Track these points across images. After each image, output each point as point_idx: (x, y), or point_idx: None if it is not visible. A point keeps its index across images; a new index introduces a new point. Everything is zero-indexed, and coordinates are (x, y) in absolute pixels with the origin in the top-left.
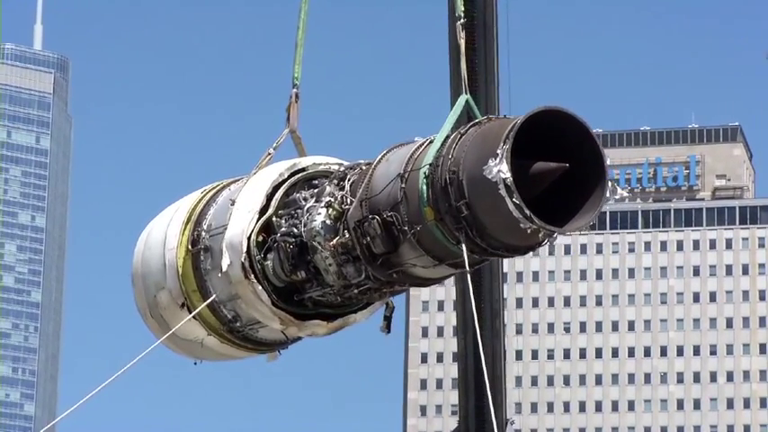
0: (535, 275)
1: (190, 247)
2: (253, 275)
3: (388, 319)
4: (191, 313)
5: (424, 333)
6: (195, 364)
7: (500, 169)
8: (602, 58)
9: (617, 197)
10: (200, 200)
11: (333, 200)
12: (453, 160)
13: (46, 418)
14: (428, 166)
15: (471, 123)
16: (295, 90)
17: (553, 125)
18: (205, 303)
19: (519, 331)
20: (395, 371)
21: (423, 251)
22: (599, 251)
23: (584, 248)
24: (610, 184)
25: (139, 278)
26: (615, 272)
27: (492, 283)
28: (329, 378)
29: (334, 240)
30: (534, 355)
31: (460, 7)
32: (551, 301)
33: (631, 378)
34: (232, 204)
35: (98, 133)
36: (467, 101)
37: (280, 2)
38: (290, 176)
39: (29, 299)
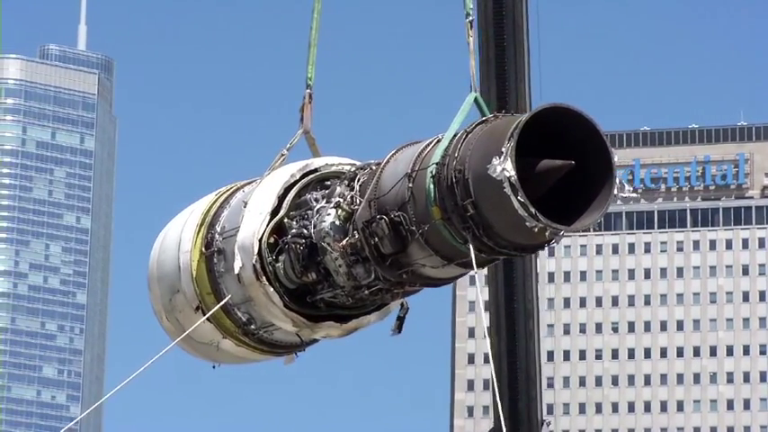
0: (583, 275)
1: (203, 249)
2: (264, 277)
3: (401, 320)
4: (205, 316)
5: (471, 334)
6: (214, 367)
7: (504, 167)
8: (651, 56)
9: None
10: (214, 202)
11: (342, 200)
12: (459, 159)
13: (92, 420)
14: (435, 165)
15: (477, 121)
16: (308, 91)
17: (561, 123)
18: (218, 306)
19: (567, 332)
20: (442, 372)
21: (431, 251)
22: (647, 250)
23: (632, 248)
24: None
25: (155, 281)
26: (663, 271)
27: (525, 283)
28: (377, 378)
29: (344, 241)
30: (582, 355)
31: (469, 5)
32: (599, 301)
33: (680, 378)
34: (244, 206)
35: (142, 133)
36: (475, 99)
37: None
38: (302, 177)
39: (74, 300)
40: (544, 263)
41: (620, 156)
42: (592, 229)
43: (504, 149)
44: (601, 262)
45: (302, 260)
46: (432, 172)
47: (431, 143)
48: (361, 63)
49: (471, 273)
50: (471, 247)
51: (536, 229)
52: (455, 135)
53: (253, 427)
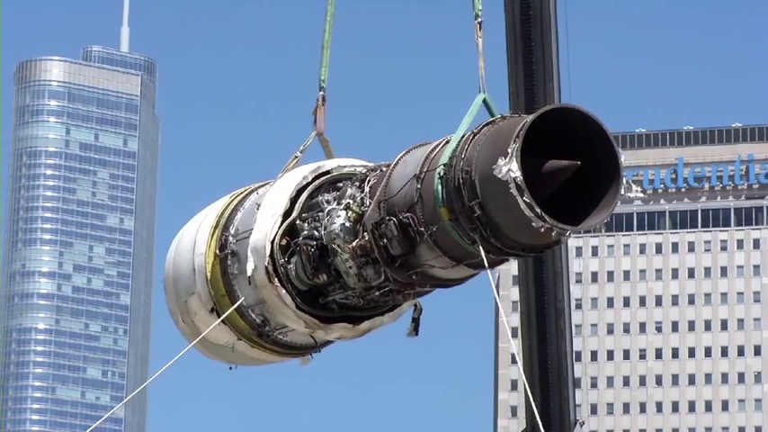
0: (626, 275)
1: (218, 251)
2: (276, 279)
3: (416, 321)
4: (220, 318)
5: (514, 333)
6: (230, 368)
7: (510, 168)
8: (696, 54)
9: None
10: (229, 204)
11: (352, 202)
12: (466, 160)
13: (136, 420)
14: (443, 167)
15: (484, 123)
16: (322, 93)
17: (568, 123)
18: (233, 308)
19: (610, 331)
20: (485, 372)
21: (440, 252)
22: (691, 249)
23: (675, 247)
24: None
25: (171, 283)
26: (707, 270)
27: (555, 282)
28: (421, 378)
29: (354, 243)
30: (626, 354)
31: (478, 6)
32: (642, 300)
33: (725, 378)
34: (258, 208)
35: (185, 135)
36: (484, 100)
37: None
38: (314, 179)
39: (118, 301)
40: (588, 263)
41: (663, 155)
42: (636, 229)
43: (509, 150)
44: (644, 261)
45: (313, 262)
46: (439, 173)
47: (439, 144)
48: (376, 64)
49: (482, 272)
50: (481, 247)
51: (542, 230)
52: (463, 136)
53: (292, 426)
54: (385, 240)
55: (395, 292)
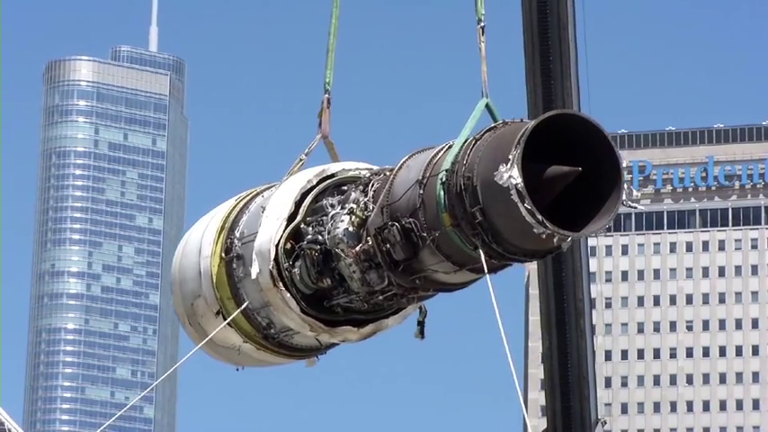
0: (656, 273)
1: (223, 254)
2: (281, 283)
3: (421, 324)
4: (225, 321)
5: None
6: (237, 370)
7: (511, 175)
8: (724, 52)
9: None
10: (234, 207)
11: (356, 206)
12: (468, 166)
13: (166, 420)
14: (445, 172)
15: (486, 128)
16: (327, 96)
17: (570, 129)
18: (238, 311)
19: (641, 330)
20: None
21: (442, 257)
22: (721, 248)
23: (705, 245)
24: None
25: (177, 285)
26: (738, 269)
27: (575, 281)
28: (449, 377)
29: (357, 247)
30: (656, 353)
31: (481, 10)
32: (673, 299)
33: (756, 377)
34: (262, 212)
35: (214, 134)
36: (487, 104)
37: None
38: (318, 183)
39: (147, 301)
40: (618, 261)
41: (693, 153)
42: (666, 227)
43: (510, 157)
44: (675, 260)
45: (317, 266)
46: (442, 179)
47: (442, 149)
48: (383, 66)
49: (484, 277)
50: (482, 253)
51: (544, 236)
52: (465, 142)
53: (324, 427)
54: (388, 245)
55: (398, 296)
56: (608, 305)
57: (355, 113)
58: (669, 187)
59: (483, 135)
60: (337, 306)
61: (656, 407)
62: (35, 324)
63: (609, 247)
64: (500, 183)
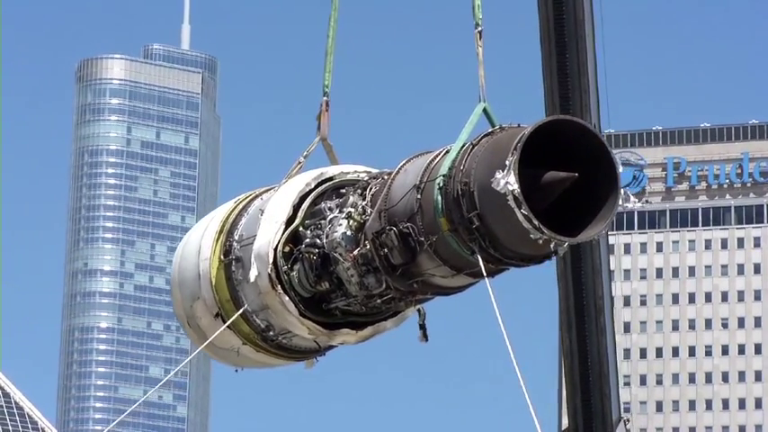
0: (691, 270)
1: (222, 257)
2: (279, 286)
3: (423, 327)
4: (225, 323)
5: None
6: (236, 371)
7: (508, 181)
8: (759, 46)
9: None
10: (233, 210)
11: (354, 210)
12: (465, 171)
13: (199, 419)
14: (442, 177)
15: (483, 134)
16: (325, 98)
17: (567, 134)
18: (237, 314)
19: (675, 327)
20: (549, 370)
21: (440, 261)
22: (756, 245)
23: (741, 242)
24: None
25: (177, 287)
26: None
27: (594, 279)
28: (483, 377)
29: (355, 251)
30: (692, 351)
31: (478, 15)
32: (708, 296)
33: None
34: (261, 214)
35: (246, 132)
36: (484, 109)
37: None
38: (317, 186)
39: None
40: (652, 259)
41: (728, 150)
42: (701, 224)
43: (507, 163)
44: (710, 257)
45: (315, 270)
46: (439, 184)
47: (439, 154)
48: (382, 68)
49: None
50: (480, 257)
51: (540, 241)
52: (462, 146)
53: (355, 425)
54: (386, 250)
55: (396, 300)
56: (642, 302)
57: (354, 115)
58: (704, 184)
59: (480, 140)
60: (335, 309)
61: (692, 405)
62: (68, 323)
63: (644, 245)
64: (497, 189)
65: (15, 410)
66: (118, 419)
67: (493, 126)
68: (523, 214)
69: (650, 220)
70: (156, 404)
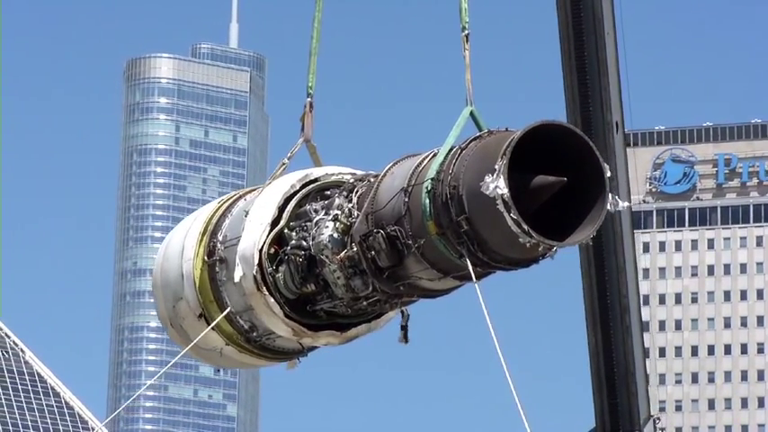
0: (743, 267)
1: (206, 258)
2: (264, 288)
3: (404, 328)
4: (209, 324)
5: None
6: (218, 371)
7: (497, 185)
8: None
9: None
10: (217, 210)
11: (340, 213)
12: (453, 175)
13: (249, 418)
14: (430, 181)
15: (471, 138)
16: (309, 99)
17: (556, 138)
18: (222, 315)
19: (727, 325)
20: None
21: (427, 264)
22: None
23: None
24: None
25: (159, 288)
26: None
27: (619, 278)
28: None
29: (342, 254)
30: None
31: (465, 18)
32: (760, 294)
33: None
34: (245, 216)
35: (294, 131)
36: (471, 113)
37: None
38: (302, 188)
39: None
40: (703, 256)
41: (755, 147)
42: (752, 221)
43: (496, 167)
44: (762, 254)
45: (301, 272)
46: (427, 187)
47: (427, 157)
48: (366, 69)
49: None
50: (468, 261)
51: (529, 245)
52: (450, 150)
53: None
54: (373, 252)
55: (382, 302)
56: (694, 300)
57: (338, 116)
58: (755, 180)
59: (469, 144)
60: (320, 310)
61: (744, 402)
62: (117, 322)
63: (695, 242)
64: (486, 193)
65: (66, 410)
66: (111, 416)
67: (480, 130)
68: (513, 218)
69: (701, 217)
70: (207, 403)
